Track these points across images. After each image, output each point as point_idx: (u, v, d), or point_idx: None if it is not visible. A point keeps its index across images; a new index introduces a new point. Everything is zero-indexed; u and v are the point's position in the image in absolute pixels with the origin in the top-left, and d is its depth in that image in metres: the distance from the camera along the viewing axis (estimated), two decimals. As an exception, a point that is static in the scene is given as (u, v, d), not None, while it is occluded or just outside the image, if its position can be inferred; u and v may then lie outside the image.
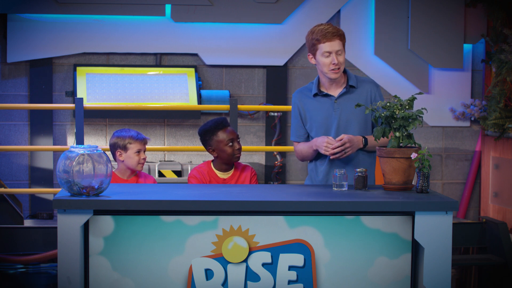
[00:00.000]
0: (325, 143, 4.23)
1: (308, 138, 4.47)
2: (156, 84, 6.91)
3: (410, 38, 7.11)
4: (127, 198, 3.68)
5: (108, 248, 3.66)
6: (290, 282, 3.71)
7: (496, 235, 6.16)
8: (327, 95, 4.36)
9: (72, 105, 6.33)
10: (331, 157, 4.25)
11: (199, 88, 6.96)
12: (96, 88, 6.80)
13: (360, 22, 7.13)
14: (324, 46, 4.25)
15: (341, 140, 4.20)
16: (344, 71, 4.41)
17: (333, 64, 4.25)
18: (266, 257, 3.70)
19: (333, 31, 4.25)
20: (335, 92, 4.36)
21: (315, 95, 4.37)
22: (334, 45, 4.25)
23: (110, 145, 4.85)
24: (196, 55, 7.08)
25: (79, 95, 6.70)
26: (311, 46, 4.29)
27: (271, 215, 3.70)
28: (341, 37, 4.28)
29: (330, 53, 4.25)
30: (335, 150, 4.20)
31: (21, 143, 6.94)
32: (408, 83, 7.17)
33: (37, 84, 6.88)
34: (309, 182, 4.49)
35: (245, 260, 3.69)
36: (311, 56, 4.33)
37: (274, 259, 3.70)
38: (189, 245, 3.67)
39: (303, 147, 4.43)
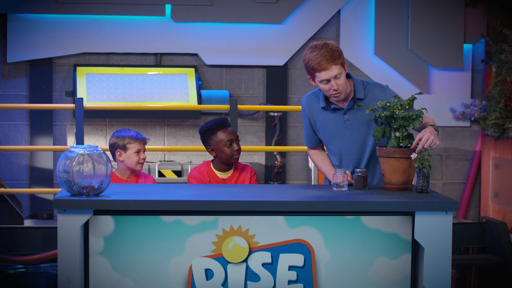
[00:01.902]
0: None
1: (320, 142, 4.42)
2: (156, 84, 6.91)
3: (410, 38, 7.11)
4: (127, 198, 3.68)
5: (108, 248, 3.66)
6: (290, 282, 3.71)
7: (496, 235, 6.16)
8: (336, 108, 4.26)
9: (72, 105, 6.33)
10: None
11: (199, 88, 6.96)
12: (96, 88, 6.80)
13: (360, 22, 7.13)
14: (321, 75, 4.09)
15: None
16: (349, 77, 4.29)
17: (333, 90, 4.12)
18: (266, 257, 3.70)
19: (327, 57, 4.07)
20: (343, 103, 4.26)
21: (324, 108, 4.28)
22: (331, 72, 4.08)
23: (110, 145, 4.85)
24: (196, 55, 7.08)
25: (79, 95, 6.70)
26: (308, 72, 4.15)
27: (271, 215, 3.70)
28: (337, 60, 4.09)
29: (327, 80, 4.11)
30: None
31: (21, 143, 6.94)
32: (408, 83, 7.17)
33: (37, 84, 6.88)
34: (327, 181, 4.47)
35: (245, 260, 3.69)
36: (310, 79, 4.19)
37: (274, 259, 3.70)
38: (189, 245, 3.67)
39: (321, 166, 4.38)
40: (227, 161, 4.66)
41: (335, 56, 4.09)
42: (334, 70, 4.09)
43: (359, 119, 4.25)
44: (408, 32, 7.12)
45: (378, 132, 3.99)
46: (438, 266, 3.69)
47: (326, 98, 4.28)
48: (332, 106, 4.27)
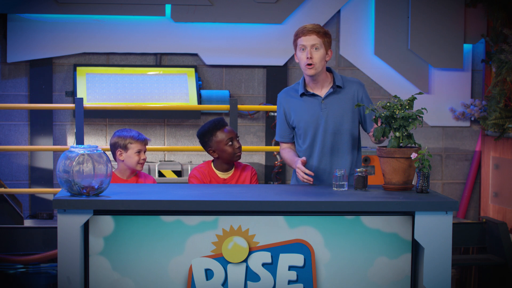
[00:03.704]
0: (298, 171, 4.25)
1: (292, 138, 4.50)
2: (156, 84, 6.91)
3: (410, 38, 7.11)
4: (127, 198, 3.69)
5: (108, 248, 3.66)
6: (290, 282, 3.71)
7: (496, 235, 6.16)
8: (313, 95, 4.39)
9: (72, 105, 6.33)
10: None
11: (199, 88, 6.96)
12: (96, 88, 6.80)
13: (360, 22, 7.13)
14: (300, 40, 4.31)
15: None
16: (330, 71, 4.44)
17: (307, 58, 4.28)
18: (266, 257, 3.70)
19: (311, 27, 4.31)
20: (321, 92, 4.39)
21: (302, 95, 4.40)
22: (309, 39, 4.28)
23: (111, 145, 4.85)
24: (196, 55, 7.08)
25: (79, 95, 6.70)
26: (293, 43, 4.37)
27: (271, 215, 3.70)
28: (320, 34, 4.30)
29: (305, 47, 4.29)
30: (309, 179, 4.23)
31: (21, 143, 6.94)
32: (408, 83, 7.17)
33: (37, 84, 6.88)
34: (295, 181, 4.49)
35: (245, 260, 3.69)
36: (295, 54, 4.38)
37: (274, 259, 3.70)
38: (189, 245, 3.67)
39: (287, 158, 4.47)
40: (230, 159, 4.67)
41: (321, 31, 4.32)
42: (313, 39, 4.29)
43: (335, 109, 4.35)
44: (408, 32, 7.12)
45: (378, 132, 4.00)
46: (438, 266, 3.69)
47: (305, 85, 4.41)
48: (311, 92, 4.39)
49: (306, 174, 4.20)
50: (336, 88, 4.38)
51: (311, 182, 4.22)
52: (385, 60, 7.13)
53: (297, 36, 4.33)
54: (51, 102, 6.88)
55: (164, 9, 6.89)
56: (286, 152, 4.50)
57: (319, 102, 4.37)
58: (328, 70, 4.43)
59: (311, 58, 4.27)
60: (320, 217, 3.70)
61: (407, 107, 3.97)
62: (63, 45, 6.87)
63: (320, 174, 4.37)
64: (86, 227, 3.67)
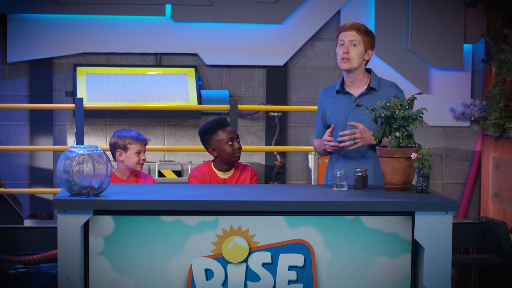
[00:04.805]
0: (324, 142, 4.27)
1: None
2: (156, 84, 6.91)
3: (410, 38, 7.11)
4: (127, 198, 3.69)
5: (108, 248, 3.66)
6: (290, 282, 3.71)
7: (496, 235, 6.16)
8: (347, 93, 4.41)
9: (72, 105, 6.33)
10: (340, 145, 4.23)
11: (199, 88, 6.96)
12: (96, 88, 6.80)
13: (360, 22, 7.11)
14: (340, 36, 4.37)
15: (353, 132, 4.21)
16: (370, 72, 4.45)
17: (343, 52, 4.32)
18: (266, 257, 3.70)
19: (352, 24, 4.36)
20: (356, 91, 4.41)
21: (337, 92, 4.43)
22: (348, 35, 4.34)
23: (110, 145, 4.85)
24: (196, 55, 7.08)
25: (79, 95, 6.70)
26: (336, 37, 4.42)
27: (271, 215, 3.70)
28: (360, 31, 4.34)
29: (343, 42, 4.34)
30: (344, 138, 4.20)
31: (21, 143, 6.94)
32: (408, 83, 7.17)
33: (37, 84, 6.88)
34: (328, 181, 4.49)
35: (245, 260, 3.69)
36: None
37: (274, 259, 3.70)
38: (189, 245, 3.67)
39: (317, 143, 4.49)
40: (229, 160, 4.67)
41: (361, 29, 4.37)
42: (352, 35, 4.35)
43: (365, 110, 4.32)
44: (408, 32, 7.12)
45: (378, 132, 4.00)
46: (438, 266, 3.69)
47: (342, 83, 4.44)
48: (345, 90, 4.41)
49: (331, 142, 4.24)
50: (370, 90, 4.39)
51: (338, 147, 4.23)
52: (385, 60, 7.13)
53: (338, 32, 4.39)
54: (51, 102, 6.88)
55: (164, 9, 6.89)
56: (316, 139, 4.51)
57: (351, 101, 4.38)
58: (368, 71, 4.45)
59: (347, 53, 4.32)
60: (320, 217, 3.70)
61: (407, 107, 3.97)
62: (63, 45, 6.87)
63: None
64: (86, 227, 3.67)
